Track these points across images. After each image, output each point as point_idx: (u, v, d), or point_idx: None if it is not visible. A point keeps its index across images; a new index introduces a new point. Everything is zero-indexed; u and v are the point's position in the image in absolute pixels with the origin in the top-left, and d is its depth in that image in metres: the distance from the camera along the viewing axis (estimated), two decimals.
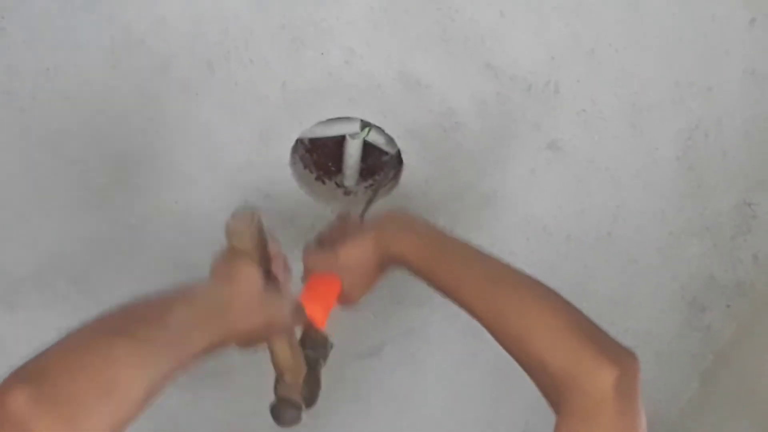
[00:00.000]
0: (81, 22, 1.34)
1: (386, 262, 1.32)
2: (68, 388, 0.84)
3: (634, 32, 1.38)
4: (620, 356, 1.08)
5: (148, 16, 1.34)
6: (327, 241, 1.39)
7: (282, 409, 1.24)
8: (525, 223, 1.68)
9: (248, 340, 1.14)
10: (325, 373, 2.01)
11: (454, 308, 1.84)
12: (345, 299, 1.37)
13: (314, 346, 1.33)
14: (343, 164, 1.69)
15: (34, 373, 0.85)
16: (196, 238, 1.68)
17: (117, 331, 0.93)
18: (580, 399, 1.05)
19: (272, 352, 1.24)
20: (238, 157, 1.55)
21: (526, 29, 1.37)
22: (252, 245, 1.16)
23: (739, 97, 1.46)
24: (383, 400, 2.16)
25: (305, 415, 1.27)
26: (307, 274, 1.36)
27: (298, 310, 1.24)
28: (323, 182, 1.72)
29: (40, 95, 1.44)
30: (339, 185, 1.73)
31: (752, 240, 1.71)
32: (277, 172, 1.58)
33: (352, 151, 1.63)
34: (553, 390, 1.09)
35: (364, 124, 1.55)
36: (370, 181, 1.73)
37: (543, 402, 2.10)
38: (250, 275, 1.14)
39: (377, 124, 1.52)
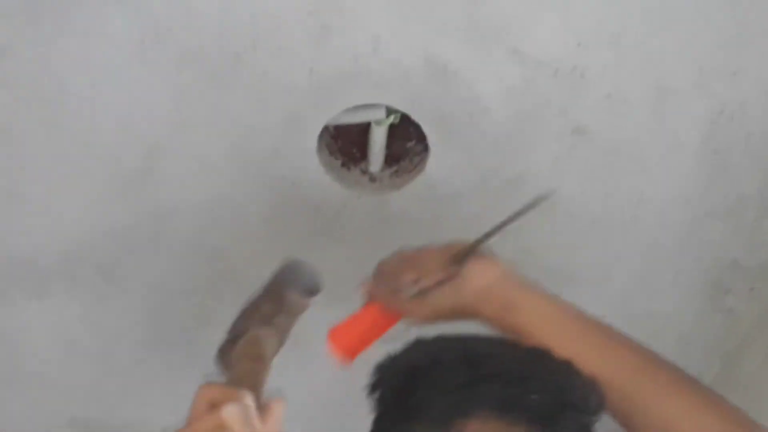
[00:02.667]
0: (110, 12, 1.35)
1: (472, 316, 1.20)
2: None
3: (659, 18, 1.38)
4: None
5: (176, 7, 1.35)
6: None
7: None
8: (550, 208, 1.68)
9: None
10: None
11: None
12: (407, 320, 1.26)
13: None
14: (368, 151, 1.69)
15: None
16: (221, 226, 1.70)
17: None
18: None
19: None
20: (264, 146, 1.56)
21: (553, 15, 1.37)
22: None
23: (764, 80, 1.46)
24: None
25: None
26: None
27: None
28: (348, 169, 1.72)
29: (69, 87, 1.45)
30: (364, 172, 1.73)
31: None
32: (303, 159, 1.59)
33: (377, 138, 1.64)
34: None
35: (390, 111, 1.56)
36: (395, 168, 1.73)
37: None
38: None
39: (403, 110, 1.52)
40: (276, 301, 1.19)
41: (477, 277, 1.20)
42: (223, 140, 1.54)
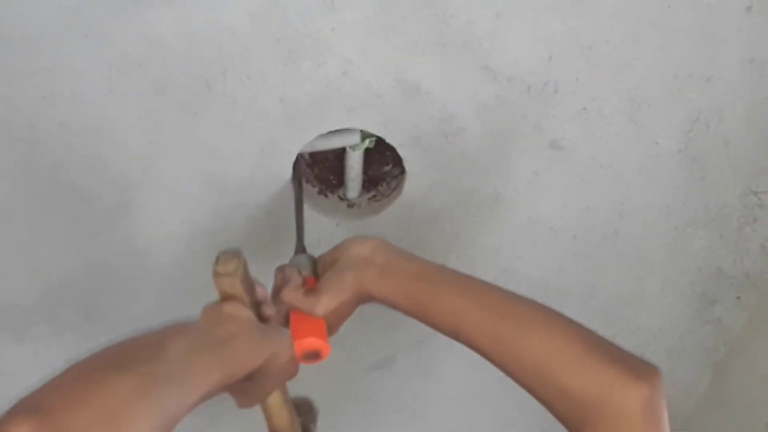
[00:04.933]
0: (76, 49, 1.34)
1: (365, 302, 1.29)
2: (72, 420, 0.83)
3: (630, 26, 1.37)
4: (647, 372, 1.05)
5: (143, 39, 1.33)
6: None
7: None
8: (531, 225, 1.68)
9: (249, 383, 1.10)
10: (338, 388, 2.01)
11: None
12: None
13: (301, 413, 1.31)
14: (345, 177, 1.68)
15: (38, 404, 0.84)
16: (202, 258, 1.68)
17: (117, 365, 0.92)
18: (607, 421, 1.03)
19: (270, 413, 1.22)
20: (240, 175, 1.55)
21: (523, 29, 1.36)
22: (242, 288, 1.15)
23: (739, 85, 1.46)
24: (398, 410, 2.16)
25: None
26: (284, 310, 1.30)
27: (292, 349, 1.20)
28: (326, 196, 1.72)
29: (38, 124, 1.44)
30: (342, 198, 1.72)
31: (759, 229, 1.71)
32: (279, 187, 1.58)
33: (353, 163, 1.63)
34: (575, 415, 1.06)
35: (365, 135, 1.55)
36: (373, 192, 1.72)
37: None
38: (242, 314, 1.13)
39: (378, 133, 1.51)
40: None
41: (355, 252, 1.29)
42: (198, 170, 1.53)
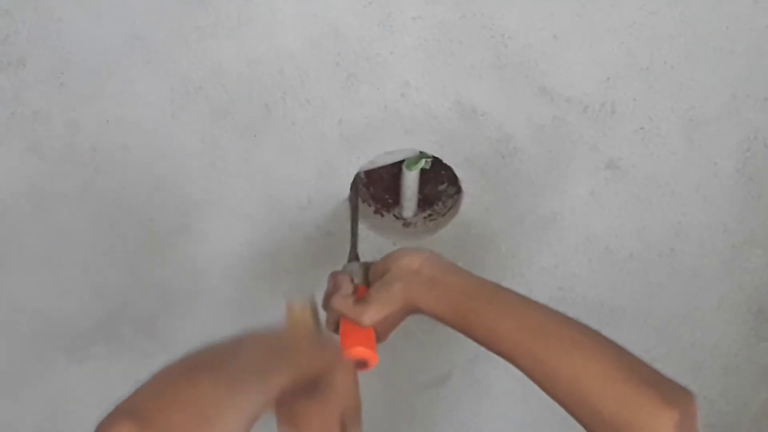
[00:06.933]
0: (140, 74, 1.36)
1: (413, 313, 1.31)
2: (169, 421, 0.87)
3: (688, 47, 1.37)
4: (678, 397, 1.06)
5: (205, 64, 1.36)
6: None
7: None
8: (587, 244, 1.68)
9: (310, 386, 1.12)
10: (393, 406, 2.01)
11: None
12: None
13: None
14: (400, 196, 1.69)
15: (136, 408, 0.88)
16: (260, 279, 1.70)
17: (204, 368, 0.96)
18: None
19: None
20: (298, 196, 1.57)
21: (580, 51, 1.37)
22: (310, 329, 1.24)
23: None
24: (453, 429, 2.16)
25: None
26: (334, 317, 1.35)
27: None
28: (382, 215, 1.73)
29: (101, 147, 1.46)
30: (398, 217, 1.73)
31: None
32: (336, 208, 1.59)
33: (410, 183, 1.64)
34: None
35: (422, 154, 1.56)
36: (428, 212, 1.73)
37: None
38: (307, 324, 1.21)
39: (434, 154, 1.52)
40: None
41: (404, 263, 1.32)
42: (257, 192, 1.55)
